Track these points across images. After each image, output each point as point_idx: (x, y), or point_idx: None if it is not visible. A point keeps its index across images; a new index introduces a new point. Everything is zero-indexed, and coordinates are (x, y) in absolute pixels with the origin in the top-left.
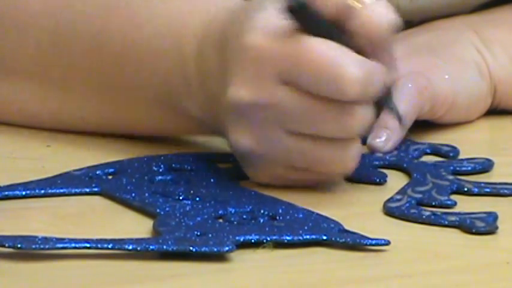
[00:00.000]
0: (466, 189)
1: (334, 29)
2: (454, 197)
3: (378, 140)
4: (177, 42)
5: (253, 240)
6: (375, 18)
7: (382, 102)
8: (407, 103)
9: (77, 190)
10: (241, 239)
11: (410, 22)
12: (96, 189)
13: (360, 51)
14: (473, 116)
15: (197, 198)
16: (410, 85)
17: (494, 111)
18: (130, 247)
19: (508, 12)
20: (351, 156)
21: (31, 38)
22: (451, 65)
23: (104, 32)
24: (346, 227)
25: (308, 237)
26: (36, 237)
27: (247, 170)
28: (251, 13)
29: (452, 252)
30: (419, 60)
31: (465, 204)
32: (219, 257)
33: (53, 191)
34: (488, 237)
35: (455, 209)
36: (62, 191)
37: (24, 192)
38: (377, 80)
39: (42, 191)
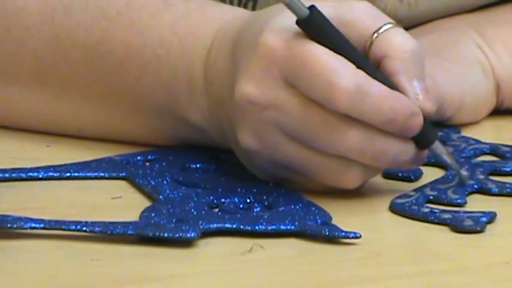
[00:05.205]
0: (487, 189)
1: (351, 46)
2: (475, 196)
3: None
4: (184, 48)
5: (226, 229)
6: (394, 41)
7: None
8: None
9: (105, 174)
10: (214, 226)
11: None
12: (123, 174)
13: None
14: (480, 116)
15: (207, 187)
16: None
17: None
18: (96, 229)
19: (509, 11)
20: (349, 176)
21: (28, 49)
22: (457, 66)
23: (104, 40)
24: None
25: (283, 227)
26: (8, 216)
27: (251, 168)
28: (268, 16)
29: (452, 252)
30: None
31: (483, 204)
32: (218, 257)
33: (82, 174)
34: (488, 237)
35: (466, 208)
36: (90, 174)
37: (55, 174)
38: (372, 99)
39: (76, 174)
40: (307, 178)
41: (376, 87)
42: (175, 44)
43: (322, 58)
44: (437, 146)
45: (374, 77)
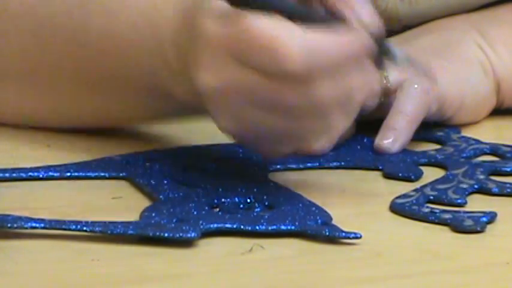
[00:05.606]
0: (487, 189)
1: (289, 5)
2: (475, 196)
3: (385, 141)
4: (153, 30)
5: (226, 229)
6: None
7: (380, 55)
8: (414, 102)
9: (105, 174)
10: (214, 226)
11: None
12: (123, 174)
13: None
14: (480, 116)
15: (208, 187)
16: (416, 86)
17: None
18: (97, 229)
19: (510, 11)
20: (325, 133)
21: (14, 42)
22: (457, 66)
23: (81, 27)
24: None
25: (284, 227)
26: (8, 216)
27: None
28: (203, 1)
29: (452, 252)
30: (424, 63)
31: (484, 204)
32: (218, 257)
33: (82, 174)
34: (488, 237)
35: (466, 208)
36: (90, 174)
37: (56, 174)
38: (327, 57)
39: (76, 174)
40: (290, 146)
41: (326, 43)
42: (144, 28)
43: (265, 29)
44: (392, 52)
45: (314, 20)
